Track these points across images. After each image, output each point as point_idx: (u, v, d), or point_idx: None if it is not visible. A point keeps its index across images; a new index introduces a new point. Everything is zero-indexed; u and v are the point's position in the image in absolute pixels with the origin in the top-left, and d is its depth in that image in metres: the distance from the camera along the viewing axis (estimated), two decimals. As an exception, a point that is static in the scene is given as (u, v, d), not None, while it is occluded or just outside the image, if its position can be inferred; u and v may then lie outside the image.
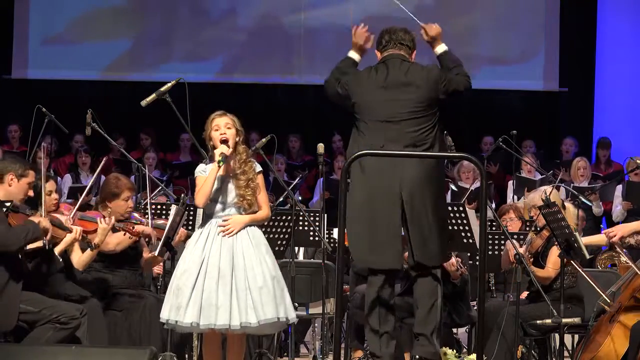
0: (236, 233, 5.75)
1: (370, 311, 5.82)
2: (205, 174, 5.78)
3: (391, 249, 5.73)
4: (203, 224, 5.83)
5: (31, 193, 5.93)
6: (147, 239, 6.56)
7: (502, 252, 7.15)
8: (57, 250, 6.00)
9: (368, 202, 5.72)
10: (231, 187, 5.80)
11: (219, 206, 5.80)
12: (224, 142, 5.78)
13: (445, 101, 5.82)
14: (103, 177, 8.18)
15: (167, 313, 5.71)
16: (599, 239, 7.08)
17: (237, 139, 5.85)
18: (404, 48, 5.87)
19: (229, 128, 5.82)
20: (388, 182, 5.71)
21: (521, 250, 6.66)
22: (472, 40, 13.56)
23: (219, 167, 5.71)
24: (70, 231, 5.98)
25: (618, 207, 10.72)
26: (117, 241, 6.43)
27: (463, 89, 5.81)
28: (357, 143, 5.78)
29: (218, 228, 5.75)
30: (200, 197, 5.76)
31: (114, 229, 6.40)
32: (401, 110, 5.73)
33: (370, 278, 5.89)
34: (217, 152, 5.75)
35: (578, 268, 6.74)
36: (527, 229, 7.58)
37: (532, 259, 6.79)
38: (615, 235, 6.31)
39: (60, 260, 6.03)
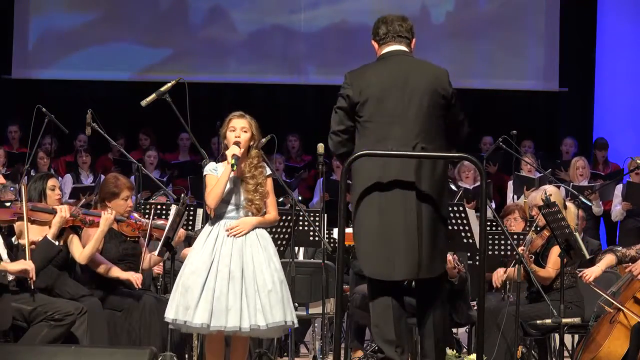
0: (245, 234, 5.72)
1: (384, 321, 5.31)
2: (216, 173, 5.74)
3: (407, 258, 5.26)
4: (212, 224, 5.77)
5: None
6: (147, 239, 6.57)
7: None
8: (49, 235, 5.98)
9: (380, 210, 5.29)
10: (241, 190, 5.77)
11: (228, 207, 5.75)
12: (237, 144, 5.73)
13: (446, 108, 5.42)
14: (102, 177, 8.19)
15: (174, 313, 5.65)
16: (609, 260, 6.97)
17: (251, 143, 5.81)
18: (404, 40, 5.52)
19: (245, 131, 5.77)
20: (403, 189, 5.28)
21: (521, 250, 6.68)
22: (472, 40, 13.56)
23: (233, 170, 5.66)
24: (55, 212, 5.98)
25: (617, 207, 10.70)
26: (116, 271, 6.42)
27: (461, 120, 5.45)
28: (364, 147, 5.31)
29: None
30: (212, 198, 5.71)
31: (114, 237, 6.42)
32: (404, 110, 5.34)
33: (381, 287, 5.33)
34: (228, 153, 5.71)
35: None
36: (528, 228, 7.57)
37: (532, 258, 6.79)
38: (639, 273, 6.45)
39: (57, 243, 6.02)
